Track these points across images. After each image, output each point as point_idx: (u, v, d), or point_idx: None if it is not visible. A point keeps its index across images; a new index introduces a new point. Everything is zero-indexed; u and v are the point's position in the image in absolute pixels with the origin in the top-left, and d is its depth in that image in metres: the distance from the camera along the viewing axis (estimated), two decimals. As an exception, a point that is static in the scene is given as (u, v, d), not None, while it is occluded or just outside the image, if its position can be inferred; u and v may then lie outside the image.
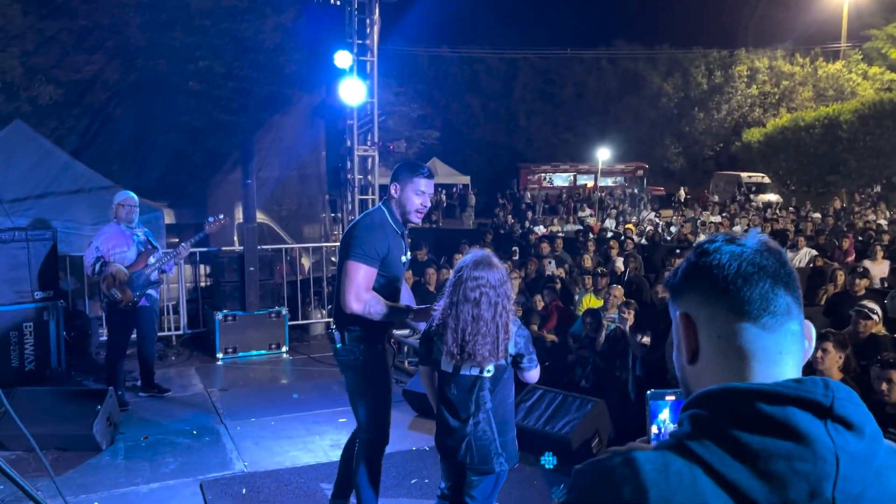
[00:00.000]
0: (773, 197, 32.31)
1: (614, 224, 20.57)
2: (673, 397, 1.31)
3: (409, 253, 3.99)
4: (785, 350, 1.09)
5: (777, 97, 43.41)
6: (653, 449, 1.03)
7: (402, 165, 3.88)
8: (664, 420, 1.33)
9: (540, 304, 7.91)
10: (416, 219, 3.86)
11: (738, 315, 1.08)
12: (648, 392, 1.36)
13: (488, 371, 3.26)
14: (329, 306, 9.71)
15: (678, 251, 10.86)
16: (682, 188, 38.02)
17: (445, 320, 3.24)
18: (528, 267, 10.05)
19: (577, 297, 8.64)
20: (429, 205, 3.88)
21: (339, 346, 3.85)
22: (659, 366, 6.57)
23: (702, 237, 11.35)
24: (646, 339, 6.53)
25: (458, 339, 3.20)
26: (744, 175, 36.53)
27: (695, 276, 1.12)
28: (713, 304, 1.10)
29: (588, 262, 10.11)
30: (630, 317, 6.56)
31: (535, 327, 7.71)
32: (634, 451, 1.02)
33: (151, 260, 6.89)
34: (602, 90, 46.77)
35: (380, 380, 3.87)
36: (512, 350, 3.29)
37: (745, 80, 43.97)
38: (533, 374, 3.43)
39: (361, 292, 3.61)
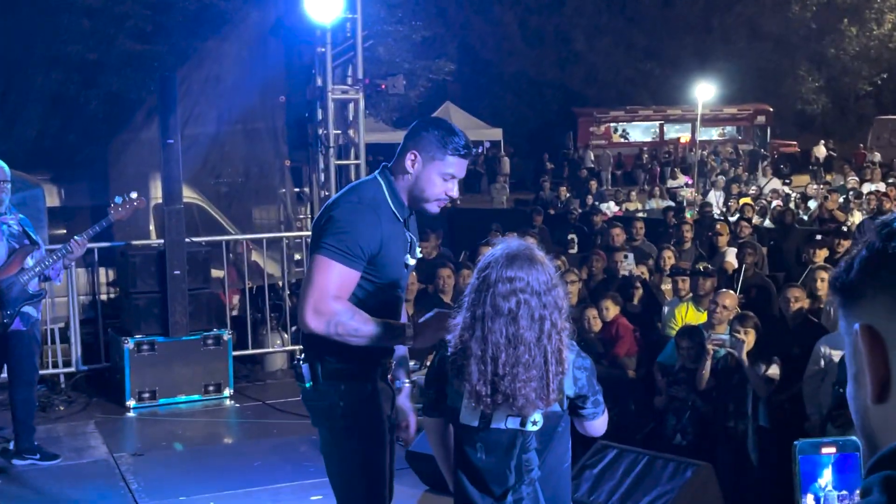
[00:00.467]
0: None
1: (723, 199, 20.49)
2: (834, 449, 1.30)
3: (417, 248, 4.02)
4: None
5: (969, 1, 43.08)
6: None
7: (427, 125, 3.87)
8: (825, 486, 1.30)
9: (610, 317, 7.91)
10: (434, 209, 3.90)
11: None
12: (797, 444, 1.34)
13: (534, 423, 3.26)
14: (294, 327, 9.76)
15: (822, 237, 10.80)
16: (823, 142, 37.81)
17: (467, 345, 3.22)
18: (593, 264, 10.05)
19: (665, 310, 8.62)
20: (456, 194, 3.91)
21: (308, 385, 3.87)
22: (794, 411, 6.56)
23: (857, 215, 11.38)
24: (773, 371, 6.52)
25: (486, 372, 3.18)
26: (920, 120, 36.24)
27: (882, 270, 1.11)
28: None
29: (673, 259, 10.07)
30: (749, 338, 6.55)
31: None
32: None
33: (29, 262, 6.93)
34: (701, -5, 46.56)
35: (371, 437, 3.88)
36: (569, 390, 3.29)
37: (921, -25, 43.59)
38: (599, 425, 3.44)
39: (326, 301, 3.58)
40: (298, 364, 3.93)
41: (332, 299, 3.59)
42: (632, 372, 7.68)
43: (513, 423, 3.26)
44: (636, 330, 7.98)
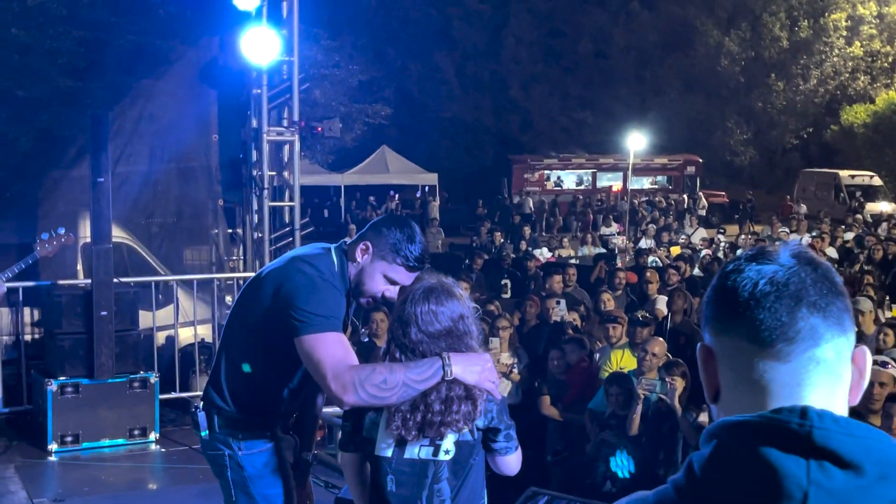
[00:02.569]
0: (886, 206, 32.94)
1: (653, 246, 20.76)
2: None
3: (362, 330, 4.00)
4: (806, 381, 1.34)
5: (891, 60, 44.50)
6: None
7: (391, 224, 3.81)
8: None
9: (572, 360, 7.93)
10: (362, 302, 3.85)
11: (752, 343, 1.35)
12: None
13: (446, 452, 3.30)
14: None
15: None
16: (749, 193, 38.60)
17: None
18: (527, 309, 10.08)
19: (597, 356, 8.66)
20: (393, 297, 3.79)
21: (204, 434, 3.83)
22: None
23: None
24: (704, 419, 6.56)
25: (416, 400, 3.26)
26: (844, 174, 37.23)
27: (714, 301, 1.41)
28: (729, 333, 1.37)
29: (612, 302, 10.15)
30: (679, 384, 6.60)
31: (546, 401, 7.72)
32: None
33: (-51, 300, 6.77)
34: (635, 46, 47.53)
35: (271, 486, 3.84)
36: (480, 422, 3.33)
37: (845, 33, 44.97)
38: (512, 461, 3.47)
39: (344, 372, 3.36)
40: (195, 412, 3.86)
41: (347, 368, 3.39)
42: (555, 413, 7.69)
43: (426, 453, 3.32)
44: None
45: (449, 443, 3.30)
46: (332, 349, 3.45)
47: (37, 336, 9.70)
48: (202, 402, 3.87)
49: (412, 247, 3.71)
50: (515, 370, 8.00)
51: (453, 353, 3.32)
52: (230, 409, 3.78)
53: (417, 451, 3.31)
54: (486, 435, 3.37)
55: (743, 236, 20.83)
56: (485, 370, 3.33)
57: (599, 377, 8.15)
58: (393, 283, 3.74)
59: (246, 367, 3.80)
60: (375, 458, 3.39)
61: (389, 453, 3.35)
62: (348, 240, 3.90)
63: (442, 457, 3.31)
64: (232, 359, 3.84)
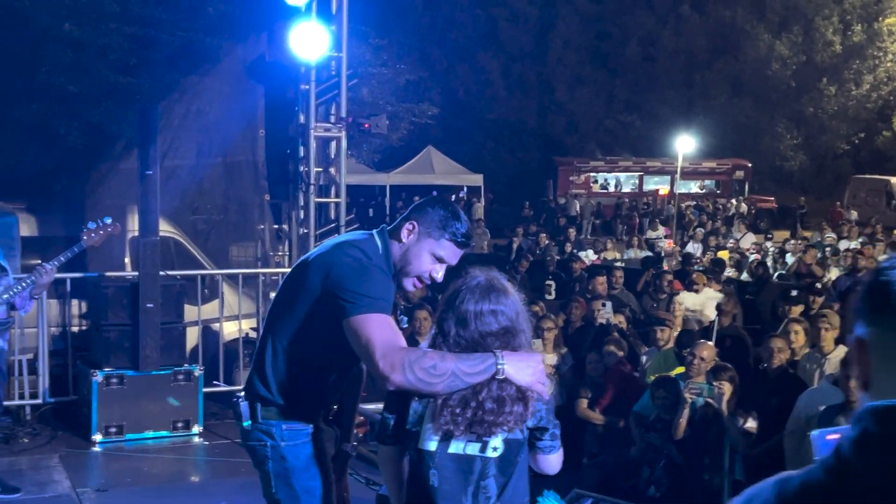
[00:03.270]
0: (939, 214, 32.38)
1: (700, 250, 20.57)
2: (838, 436, 1.51)
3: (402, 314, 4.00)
4: None
5: (947, 65, 43.78)
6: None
7: (434, 203, 3.82)
8: None
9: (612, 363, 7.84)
10: (409, 286, 3.84)
11: None
12: (813, 433, 1.75)
13: (494, 449, 3.26)
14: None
15: (796, 292, 10.81)
16: (801, 198, 38.16)
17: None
18: (572, 311, 10.01)
19: (644, 359, 8.58)
20: (440, 278, 3.81)
21: (246, 424, 3.82)
22: (771, 465, 6.49)
23: (834, 271, 11.37)
24: (750, 425, 6.47)
25: (466, 395, 3.22)
26: (895, 180, 36.67)
27: (868, 295, 1.50)
28: (883, 325, 1.46)
29: (659, 306, 10.07)
30: (727, 390, 6.51)
31: (583, 403, 7.65)
32: None
33: (-3, 289, 6.81)
34: (683, 50, 47.19)
35: (312, 479, 3.82)
36: (529, 421, 3.29)
37: (899, 38, 44.32)
38: (554, 460, 3.44)
39: (393, 352, 3.33)
40: (237, 402, 3.85)
41: (397, 348, 3.37)
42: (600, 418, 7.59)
43: (473, 450, 3.27)
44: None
45: (497, 440, 3.26)
46: (380, 329, 3.42)
47: (83, 327, 9.82)
48: (245, 392, 3.86)
49: (458, 223, 3.72)
50: (563, 369, 7.93)
51: (507, 351, 3.26)
52: (274, 398, 3.77)
53: (464, 446, 3.27)
54: (532, 433, 3.34)
55: (792, 242, 20.57)
56: (536, 371, 3.28)
57: (644, 380, 8.07)
58: (441, 260, 3.74)
59: (292, 355, 3.77)
60: (418, 451, 3.33)
61: (434, 447, 3.29)
62: (388, 224, 3.88)
63: (490, 454, 3.26)
64: (277, 347, 3.80)
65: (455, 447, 3.27)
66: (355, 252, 3.64)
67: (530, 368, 3.27)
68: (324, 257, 3.71)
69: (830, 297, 11.03)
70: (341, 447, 4.02)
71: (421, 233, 3.72)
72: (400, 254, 3.75)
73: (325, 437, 3.87)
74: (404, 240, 3.74)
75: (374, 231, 3.83)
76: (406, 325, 3.52)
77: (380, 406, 3.66)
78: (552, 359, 8.27)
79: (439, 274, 3.77)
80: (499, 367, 3.21)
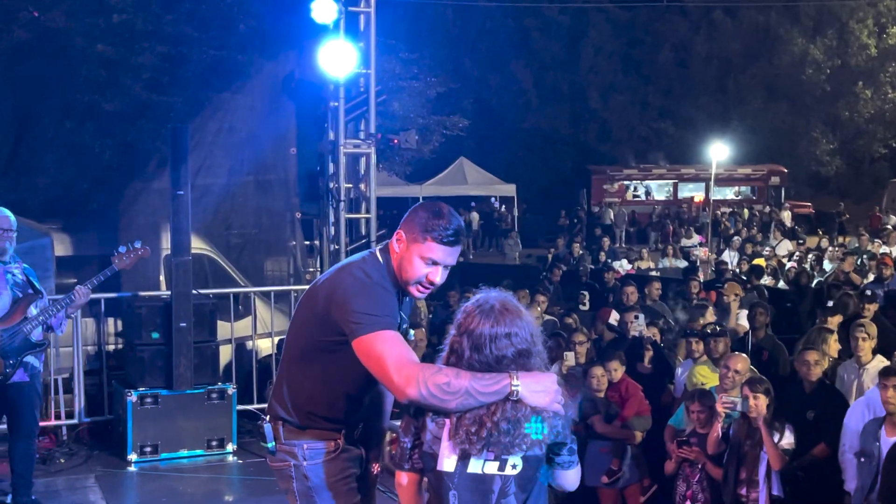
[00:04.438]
0: (979, 217, 31.95)
1: (736, 258, 20.41)
2: None
3: (410, 332, 4.03)
4: None
5: None
6: None
7: (417, 207, 3.86)
8: None
9: (617, 378, 7.73)
10: (415, 293, 3.86)
11: None
12: None
13: (513, 466, 3.26)
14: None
15: (834, 301, 10.69)
16: (841, 204, 37.72)
17: None
18: (597, 322, 9.96)
19: (678, 371, 8.50)
20: (438, 282, 3.82)
21: (271, 445, 3.90)
22: (808, 479, 6.42)
23: (872, 278, 11.14)
24: (788, 441, 6.38)
25: (478, 415, 3.23)
26: (936, 184, 36.26)
27: None
28: None
29: (695, 316, 9.99)
30: (761, 403, 6.43)
31: (599, 420, 7.55)
32: None
33: (32, 311, 6.90)
34: (717, 56, 46.93)
35: (334, 499, 3.87)
36: (548, 437, 3.29)
37: (937, 39, 43.84)
38: (572, 476, 3.42)
39: (407, 366, 3.39)
40: (261, 424, 3.94)
41: (411, 362, 3.43)
42: (639, 434, 7.50)
43: (491, 468, 3.27)
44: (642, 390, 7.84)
45: (516, 458, 3.27)
46: (391, 345, 3.48)
47: (118, 346, 9.88)
48: (268, 415, 3.94)
49: (440, 221, 3.74)
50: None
51: (522, 372, 3.27)
52: (293, 419, 3.85)
53: (482, 465, 3.27)
54: (550, 448, 3.34)
55: (830, 248, 20.36)
56: (550, 392, 3.28)
57: (678, 395, 7.99)
58: (434, 263, 3.75)
59: (306, 377, 3.84)
60: (437, 474, 3.34)
61: (452, 468, 3.30)
62: (387, 241, 3.92)
63: (509, 471, 3.27)
64: (293, 369, 3.89)
65: (474, 466, 3.28)
66: (357, 272, 3.71)
67: (545, 389, 3.27)
68: (328, 281, 3.79)
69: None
70: (367, 468, 4.08)
71: (408, 240, 3.76)
72: (396, 265, 3.80)
73: (350, 457, 3.94)
74: (397, 250, 3.79)
75: (378, 248, 3.89)
76: (412, 339, 3.55)
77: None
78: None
79: (437, 277, 3.79)
80: (513, 388, 3.22)
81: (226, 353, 9.65)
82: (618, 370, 7.72)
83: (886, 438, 5.81)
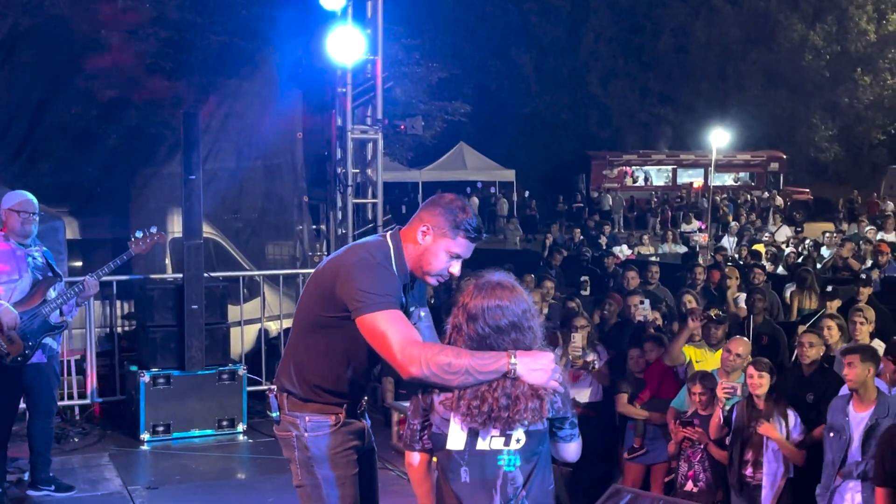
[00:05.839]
0: (977, 204, 32.02)
1: (735, 244, 20.52)
2: None
3: (420, 313, 4.09)
4: None
5: None
6: None
7: (445, 202, 3.92)
8: None
9: (652, 358, 7.86)
10: (433, 282, 3.99)
11: None
12: None
13: (517, 441, 3.40)
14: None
15: (832, 286, 10.82)
16: (855, 191, 37.64)
17: None
18: (607, 307, 10.05)
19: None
20: (458, 273, 3.95)
21: (276, 415, 4.05)
22: (811, 459, 6.54)
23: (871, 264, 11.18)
24: (796, 429, 6.50)
25: (480, 391, 3.34)
26: (934, 171, 36.31)
27: None
28: None
29: (693, 301, 10.08)
30: (764, 382, 6.54)
31: (623, 399, 7.71)
32: None
33: (51, 293, 7.02)
34: (716, 42, 46.90)
35: (336, 469, 3.98)
36: (549, 412, 3.42)
37: (936, 26, 43.77)
38: (574, 449, 3.57)
39: (410, 346, 3.52)
40: (269, 395, 4.09)
41: (413, 343, 3.56)
42: (657, 415, 7.61)
43: (497, 444, 3.40)
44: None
45: (520, 432, 3.39)
46: (395, 324, 3.61)
47: (129, 329, 10.01)
48: (275, 386, 4.07)
49: (469, 219, 3.86)
50: (597, 365, 7.99)
51: (520, 350, 3.39)
52: (297, 392, 3.97)
53: (489, 441, 3.40)
54: (552, 423, 3.47)
55: (828, 234, 20.46)
56: (548, 369, 3.39)
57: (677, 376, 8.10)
58: (458, 257, 3.88)
59: (312, 351, 3.96)
60: (447, 452, 3.46)
61: (462, 446, 3.42)
62: (398, 227, 4.01)
63: (513, 446, 3.39)
64: (300, 344, 4.01)
65: (481, 443, 3.40)
66: (362, 252, 3.82)
67: (542, 368, 3.39)
68: (335, 259, 3.91)
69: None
70: (368, 441, 4.19)
71: (436, 234, 3.85)
72: (416, 255, 3.89)
73: (351, 430, 4.05)
74: (420, 242, 3.87)
75: (388, 233, 3.97)
76: (423, 319, 3.64)
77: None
78: (588, 355, 8.30)
79: (456, 268, 3.92)
80: (511, 366, 3.35)
81: (236, 336, 9.78)
82: (652, 352, 7.86)
83: (855, 413, 5.98)
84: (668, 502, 5.46)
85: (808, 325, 8.29)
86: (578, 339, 8.09)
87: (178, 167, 9.14)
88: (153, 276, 9.63)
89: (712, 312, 8.50)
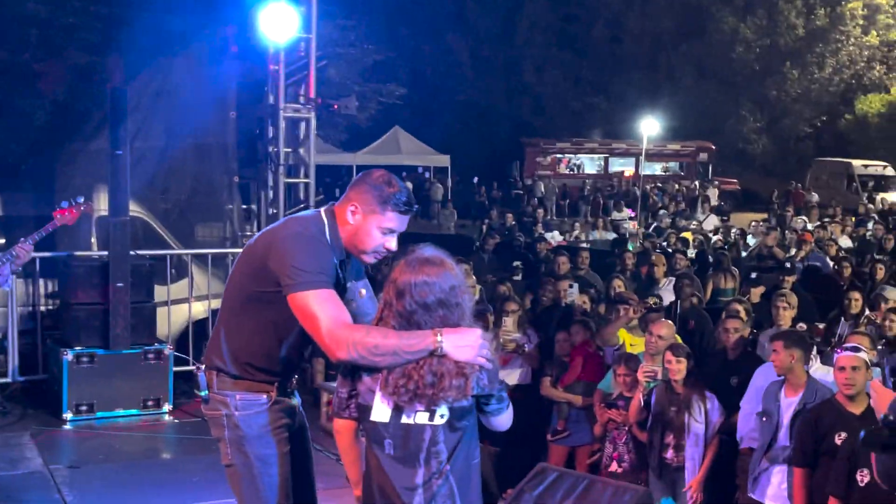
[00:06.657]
0: (898, 196, 32.87)
1: (664, 231, 20.79)
2: None
3: (360, 291, 4.07)
4: None
5: (908, 49, 44.27)
6: None
7: (371, 179, 3.88)
8: None
9: (577, 340, 7.92)
10: (370, 260, 3.96)
11: None
12: None
13: (441, 416, 3.41)
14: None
15: (757, 274, 11.02)
16: (794, 182, 38.21)
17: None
18: (541, 292, 10.11)
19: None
20: (394, 247, 3.91)
21: (204, 394, 3.99)
22: (731, 443, 6.66)
23: (800, 253, 11.44)
24: (714, 414, 6.62)
25: (410, 368, 3.35)
26: (857, 164, 37.16)
27: None
28: None
29: (622, 286, 10.20)
30: (681, 369, 6.64)
31: (546, 382, 7.78)
32: None
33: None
34: (649, 32, 47.39)
35: (271, 457, 3.96)
36: (474, 389, 3.43)
37: (861, 22, 44.72)
38: (504, 420, 3.60)
39: (338, 329, 3.49)
40: (197, 373, 4.02)
41: (341, 325, 3.53)
42: (579, 398, 7.68)
43: (422, 418, 3.41)
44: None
45: (444, 408, 3.41)
46: (325, 304, 3.58)
47: (52, 307, 9.82)
48: (204, 364, 4.01)
49: (397, 193, 3.83)
50: (527, 348, 8.04)
51: (447, 328, 3.39)
52: (228, 369, 3.92)
53: (414, 416, 3.41)
54: (478, 400, 3.48)
55: (753, 223, 20.84)
56: (475, 346, 3.40)
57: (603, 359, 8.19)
58: (390, 231, 3.85)
59: (242, 328, 3.91)
60: (372, 423, 3.47)
61: (387, 418, 3.43)
62: (333, 202, 3.97)
63: (437, 421, 3.41)
64: (230, 320, 3.97)
65: (406, 417, 3.41)
66: (296, 226, 3.79)
67: (469, 344, 3.39)
68: (269, 232, 3.88)
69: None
70: (298, 418, 4.17)
71: (364, 212, 3.82)
72: (349, 235, 3.86)
73: (282, 408, 4.02)
74: (350, 221, 3.84)
75: (323, 209, 3.94)
76: (363, 296, 3.59)
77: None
78: (519, 338, 8.36)
79: (392, 243, 3.89)
80: (437, 343, 3.35)
81: (163, 316, 9.65)
82: (578, 335, 7.91)
83: (786, 398, 6.10)
84: (592, 481, 5.52)
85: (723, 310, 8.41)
86: (510, 322, 8.15)
87: (106, 143, 8.98)
88: (78, 254, 9.45)
89: (651, 301, 8.61)
